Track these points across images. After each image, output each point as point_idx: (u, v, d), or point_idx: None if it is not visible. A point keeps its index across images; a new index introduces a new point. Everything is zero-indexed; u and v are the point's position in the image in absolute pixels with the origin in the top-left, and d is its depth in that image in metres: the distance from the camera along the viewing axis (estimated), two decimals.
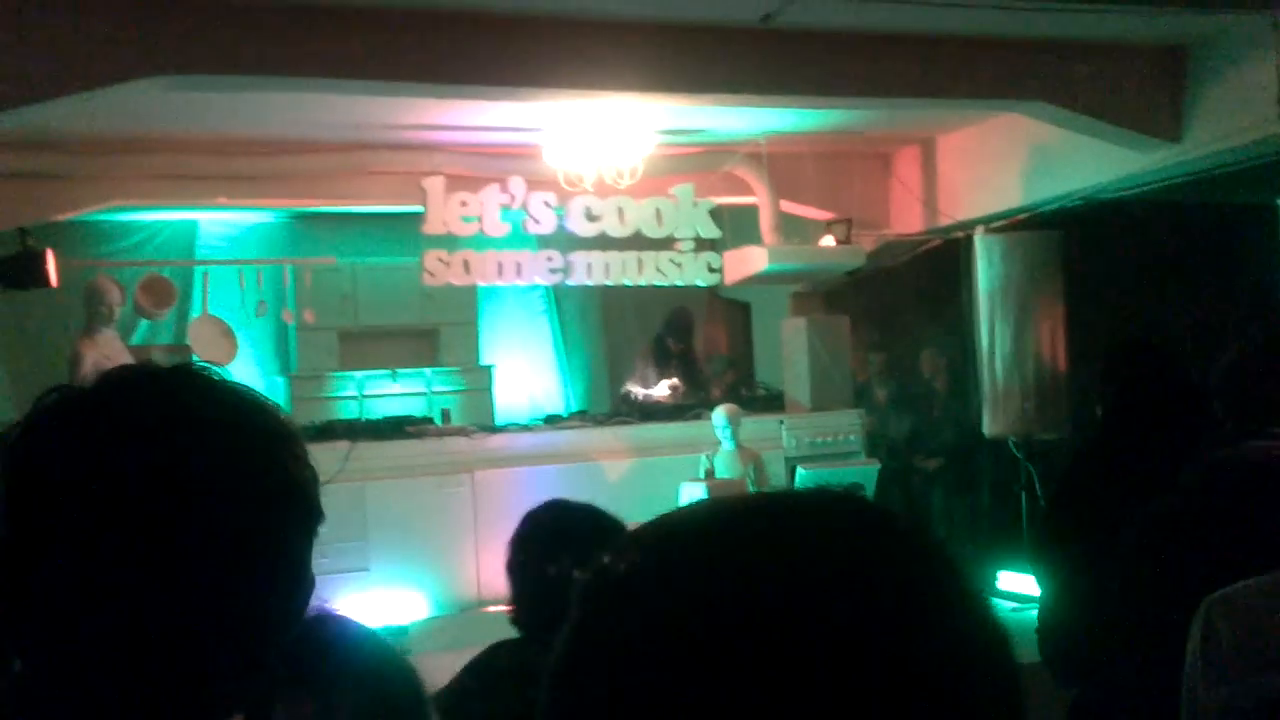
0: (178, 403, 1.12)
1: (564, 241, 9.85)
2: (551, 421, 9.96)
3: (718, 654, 0.66)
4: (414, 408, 10.73)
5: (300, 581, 1.15)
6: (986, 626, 0.73)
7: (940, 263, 10.31)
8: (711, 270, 9.75)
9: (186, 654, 1.07)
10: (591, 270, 9.48)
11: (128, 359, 8.23)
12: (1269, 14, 6.72)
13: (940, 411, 10.55)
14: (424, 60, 6.65)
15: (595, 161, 8.72)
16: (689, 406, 10.08)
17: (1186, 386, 3.83)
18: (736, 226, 10.25)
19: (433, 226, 8.95)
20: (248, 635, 1.10)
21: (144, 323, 10.56)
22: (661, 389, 10.29)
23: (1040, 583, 4.03)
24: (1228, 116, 7.44)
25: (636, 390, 10.38)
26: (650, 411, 10.00)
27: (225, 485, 1.08)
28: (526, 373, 12.56)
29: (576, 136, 8.52)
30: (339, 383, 11.67)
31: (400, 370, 11.79)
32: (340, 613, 1.54)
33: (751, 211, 9.92)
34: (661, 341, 10.58)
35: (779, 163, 9.59)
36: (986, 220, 9.64)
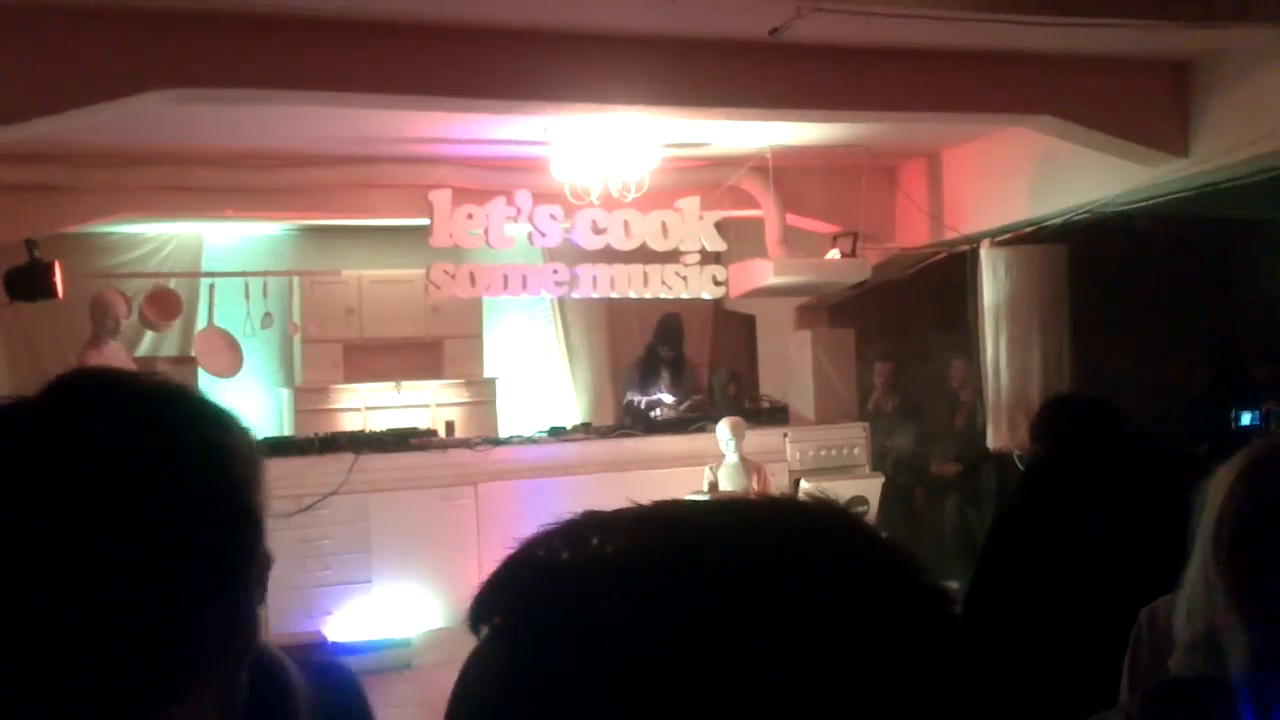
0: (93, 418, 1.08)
1: (570, 254, 9.86)
2: (555, 434, 9.96)
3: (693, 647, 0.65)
4: (418, 420, 10.73)
5: (214, 609, 1.07)
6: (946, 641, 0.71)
7: (946, 276, 10.30)
8: (717, 283, 9.75)
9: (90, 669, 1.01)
10: (597, 283, 9.48)
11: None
12: (1271, 28, 6.71)
13: (964, 422, 10.53)
14: (430, 73, 6.65)
15: (601, 174, 8.73)
16: (693, 419, 10.09)
17: (1128, 447, 3.68)
18: (742, 239, 10.26)
19: (438, 239, 8.95)
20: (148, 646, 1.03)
21: (149, 334, 10.57)
22: (666, 397, 10.32)
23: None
24: (1234, 131, 7.43)
25: (639, 399, 10.40)
26: (654, 424, 10.01)
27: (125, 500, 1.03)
28: (531, 385, 12.56)
29: (583, 150, 8.52)
30: (343, 395, 11.67)
31: (405, 382, 11.80)
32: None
33: (757, 224, 9.91)
34: (653, 350, 10.61)
35: (785, 176, 9.59)
36: (992, 234, 9.63)
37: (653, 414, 10.23)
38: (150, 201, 9.11)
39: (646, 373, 10.60)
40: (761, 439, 9.41)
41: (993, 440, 9.48)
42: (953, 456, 10.45)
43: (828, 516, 0.74)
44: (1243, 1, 6.63)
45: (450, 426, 10.34)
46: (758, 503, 0.76)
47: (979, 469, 10.21)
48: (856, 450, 10.08)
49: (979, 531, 10.06)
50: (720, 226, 9.58)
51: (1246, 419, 8.90)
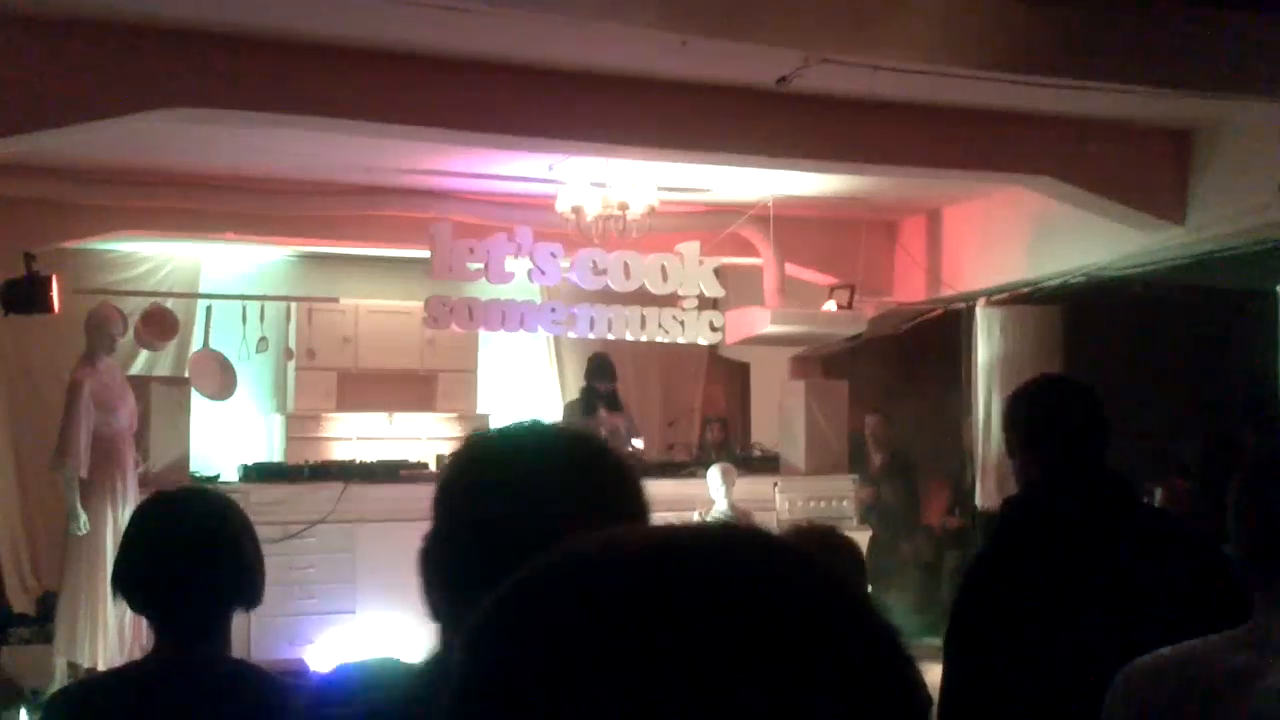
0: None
1: (568, 293, 9.87)
2: None
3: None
4: (409, 452, 10.71)
5: None
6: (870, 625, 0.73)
7: (941, 333, 10.33)
8: (713, 329, 9.77)
9: None
10: (594, 323, 9.50)
11: (126, 388, 8.24)
12: (1275, 101, 6.77)
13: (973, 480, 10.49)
14: (439, 105, 6.70)
15: (603, 215, 8.76)
16: (683, 464, 10.09)
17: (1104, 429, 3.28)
18: (740, 287, 10.29)
19: (438, 272, 8.97)
20: None
21: (144, 353, 10.57)
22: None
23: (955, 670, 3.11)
24: (1231, 201, 7.49)
25: None
26: (645, 468, 9.96)
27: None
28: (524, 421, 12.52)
29: (586, 189, 8.56)
30: (335, 424, 11.66)
31: (397, 414, 11.79)
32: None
33: (755, 272, 9.96)
34: (591, 388, 10.49)
35: (785, 225, 9.64)
36: (989, 292, 9.67)
37: None
38: (151, 220, 9.14)
39: (585, 412, 10.44)
40: (752, 487, 9.40)
41: (982, 498, 9.49)
42: (956, 511, 10.43)
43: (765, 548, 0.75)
44: (1245, 73, 6.69)
45: (441, 460, 10.32)
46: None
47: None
48: (845, 502, 10.08)
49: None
50: (719, 273, 9.62)
51: None
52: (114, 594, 2.54)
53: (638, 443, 10.15)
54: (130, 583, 2.48)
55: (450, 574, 1.54)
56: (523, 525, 1.40)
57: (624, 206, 8.66)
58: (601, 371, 10.34)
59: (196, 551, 2.45)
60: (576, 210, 8.67)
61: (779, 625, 0.69)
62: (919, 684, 0.74)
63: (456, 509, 1.59)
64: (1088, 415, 3.32)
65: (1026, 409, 3.40)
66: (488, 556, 1.40)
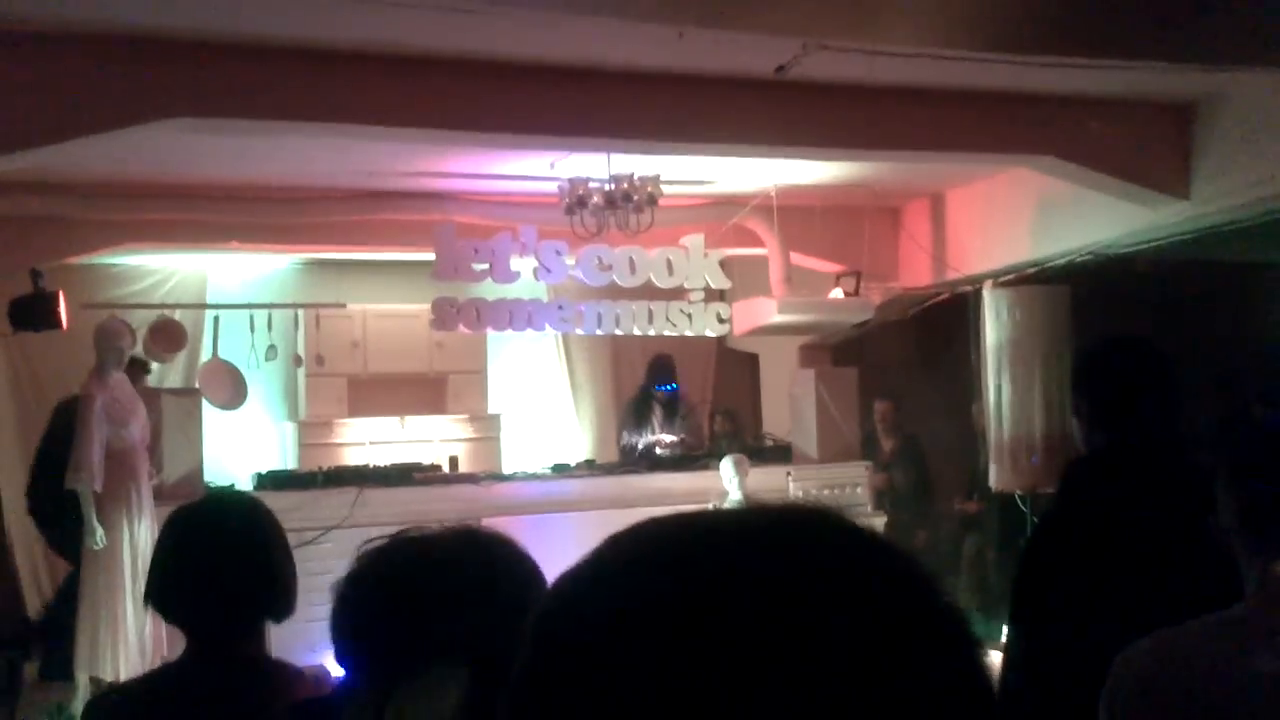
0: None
1: (574, 290, 9.87)
2: (559, 471, 9.96)
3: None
4: (422, 455, 10.73)
5: None
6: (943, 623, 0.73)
7: (949, 316, 10.31)
8: (721, 321, 9.76)
9: None
10: (602, 320, 9.49)
11: (138, 401, 8.25)
12: (1277, 71, 6.74)
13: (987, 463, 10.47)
14: (435, 106, 6.68)
15: (606, 211, 8.74)
16: (696, 456, 10.10)
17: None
18: (746, 278, 10.28)
19: (442, 273, 8.96)
20: None
21: (153, 365, 10.57)
22: (664, 437, 10.30)
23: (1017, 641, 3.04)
24: (1235, 174, 7.45)
25: (635, 439, 10.38)
26: (658, 462, 10.01)
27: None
28: (535, 421, 12.55)
29: (588, 186, 8.54)
30: (348, 429, 11.68)
31: (408, 417, 11.80)
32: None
33: (761, 263, 9.94)
34: (647, 390, 10.59)
35: (789, 215, 9.62)
36: (995, 274, 9.65)
37: (656, 451, 10.21)
38: (155, 232, 9.13)
39: (640, 412, 10.59)
40: (765, 477, 9.41)
41: (995, 481, 9.47)
42: (974, 495, 10.42)
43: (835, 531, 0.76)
44: (1246, 44, 6.66)
45: (454, 462, 10.34)
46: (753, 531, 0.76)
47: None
48: (859, 489, 10.08)
49: (995, 571, 10.00)
50: (724, 264, 9.61)
51: None
52: (146, 605, 2.56)
53: (668, 437, 10.24)
54: (163, 595, 2.50)
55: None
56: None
57: (627, 200, 8.64)
58: (660, 374, 10.43)
59: (226, 563, 2.46)
60: (580, 206, 8.65)
61: (859, 610, 0.70)
62: (986, 668, 0.75)
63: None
64: (1157, 381, 3.19)
65: (1100, 374, 3.27)
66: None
